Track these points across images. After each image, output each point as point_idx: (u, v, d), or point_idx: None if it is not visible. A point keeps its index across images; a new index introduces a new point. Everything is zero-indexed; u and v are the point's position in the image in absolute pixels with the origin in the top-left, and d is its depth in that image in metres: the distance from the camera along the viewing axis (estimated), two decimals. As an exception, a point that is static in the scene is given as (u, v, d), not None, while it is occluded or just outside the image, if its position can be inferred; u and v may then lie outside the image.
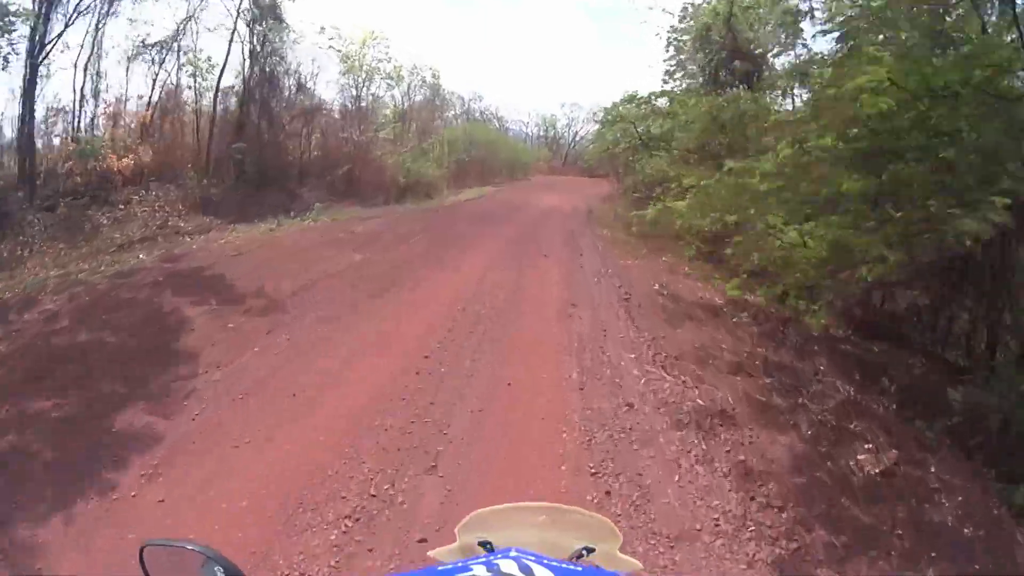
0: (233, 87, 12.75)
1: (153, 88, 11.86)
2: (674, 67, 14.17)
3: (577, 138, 32.59)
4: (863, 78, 4.13)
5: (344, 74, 15.27)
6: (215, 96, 12.48)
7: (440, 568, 0.71)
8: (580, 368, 5.17)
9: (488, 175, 21.56)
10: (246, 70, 12.61)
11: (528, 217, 13.61)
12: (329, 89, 16.83)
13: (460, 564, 0.71)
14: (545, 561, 0.73)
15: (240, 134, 12.38)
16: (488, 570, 0.67)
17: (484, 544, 0.95)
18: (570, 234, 11.61)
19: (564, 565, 0.74)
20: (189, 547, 0.81)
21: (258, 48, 12.56)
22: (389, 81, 16.76)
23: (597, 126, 18.16)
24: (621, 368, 5.20)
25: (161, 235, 9.41)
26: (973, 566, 3.17)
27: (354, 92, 15.71)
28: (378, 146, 15.81)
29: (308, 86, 14.22)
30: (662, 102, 10.94)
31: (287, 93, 13.58)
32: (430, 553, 1.03)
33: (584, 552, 0.94)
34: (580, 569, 0.75)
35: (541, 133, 32.18)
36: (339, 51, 15.00)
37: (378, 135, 16.21)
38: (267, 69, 12.81)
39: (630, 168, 14.48)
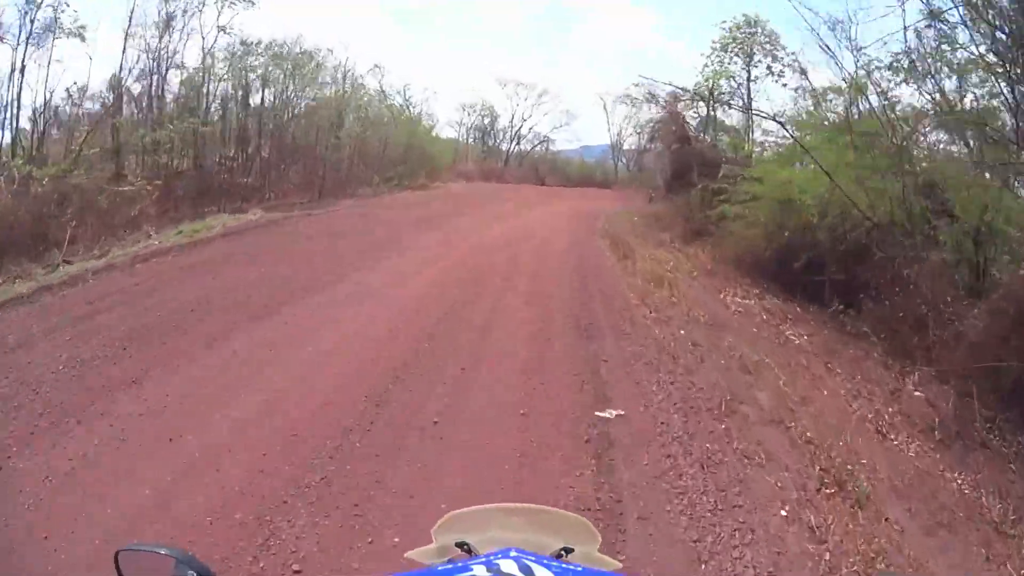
0: None
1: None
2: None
3: (523, 131, 28.75)
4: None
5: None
6: None
7: (440, 568, 0.71)
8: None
9: (352, 182, 17.07)
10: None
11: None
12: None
13: (460, 564, 0.71)
14: (545, 561, 0.72)
15: None
16: (488, 570, 0.67)
17: (461, 545, 0.93)
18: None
19: (564, 566, 0.74)
20: (162, 551, 0.81)
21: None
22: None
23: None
24: None
25: None
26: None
27: None
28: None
29: None
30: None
31: None
32: (407, 554, 1.00)
33: (563, 552, 0.92)
34: (580, 569, 0.74)
35: (478, 123, 27.99)
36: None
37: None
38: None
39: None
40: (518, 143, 28.21)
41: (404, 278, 6.96)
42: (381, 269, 7.44)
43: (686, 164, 13.87)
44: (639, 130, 28.52)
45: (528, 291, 6.66)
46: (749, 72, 14.62)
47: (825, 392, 4.78)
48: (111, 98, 13.37)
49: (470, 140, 27.79)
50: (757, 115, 10.60)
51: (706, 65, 14.60)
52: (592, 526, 1.02)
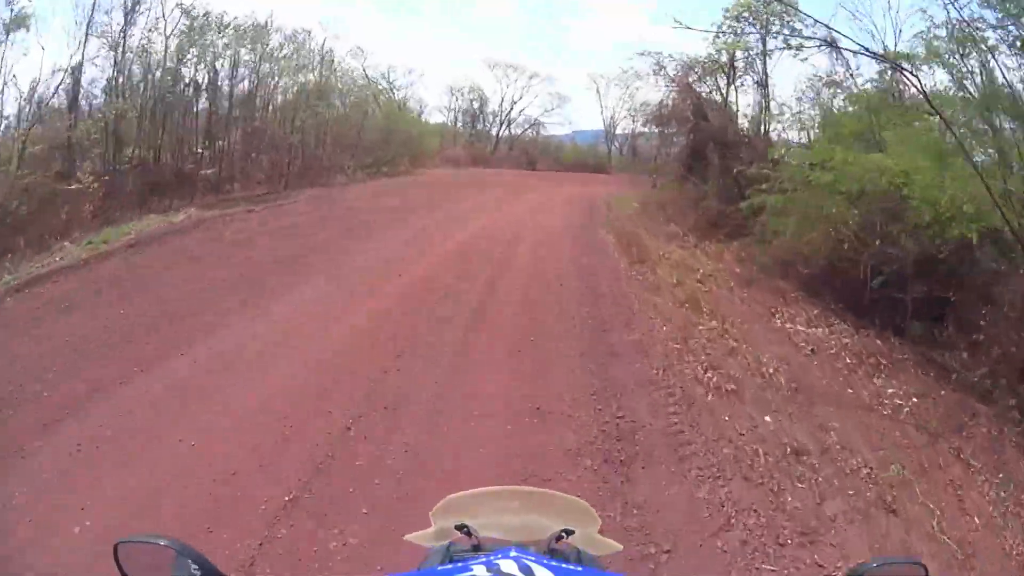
0: None
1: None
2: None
3: (513, 114, 26.59)
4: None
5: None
6: None
7: (440, 568, 0.71)
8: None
9: (326, 170, 15.30)
10: None
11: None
12: None
13: (460, 564, 0.69)
14: (545, 561, 0.71)
15: None
16: (488, 570, 0.66)
17: (461, 527, 0.90)
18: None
19: (564, 565, 0.73)
20: (162, 543, 0.80)
21: None
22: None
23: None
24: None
25: None
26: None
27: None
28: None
29: None
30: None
31: None
32: (406, 537, 0.97)
33: (563, 535, 0.89)
34: (580, 569, 0.73)
35: (467, 106, 25.84)
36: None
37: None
38: None
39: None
40: (508, 127, 26.31)
41: (317, 326, 4.69)
42: (292, 301, 5.22)
43: (702, 144, 11.99)
44: (632, 113, 27.18)
45: (512, 341, 4.52)
46: (764, 44, 12.62)
47: (977, 521, 2.97)
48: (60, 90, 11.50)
49: (459, 124, 25.86)
50: (871, 56, 7.93)
51: (717, 36, 12.57)
52: (592, 509, 0.98)
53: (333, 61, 16.55)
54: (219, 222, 8.62)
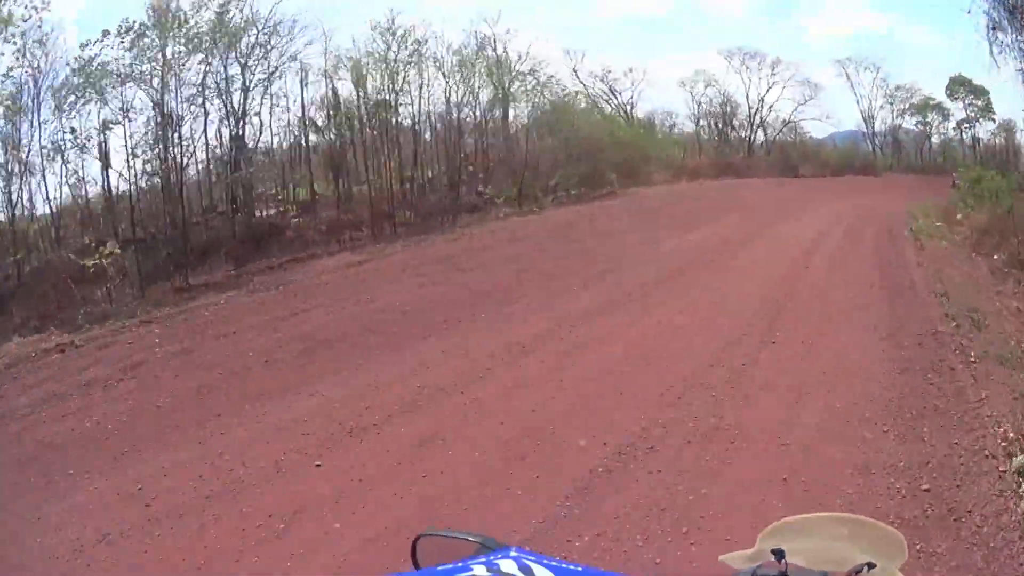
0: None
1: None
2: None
3: (765, 114, 23.15)
4: None
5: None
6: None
7: (440, 568, 0.70)
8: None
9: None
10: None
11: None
12: None
13: (460, 564, 0.70)
14: (545, 561, 0.71)
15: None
16: (488, 570, 0.66)
17: (775, 552, 0.88)
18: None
19: (564, 565, 0.72)
20: (471, 538, 0.81)
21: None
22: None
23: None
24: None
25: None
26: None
27: None
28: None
29: None
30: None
31: None
32: (721, 558, 0.94)
33: (865, 568, 0.87)
34: (580, 569, 0.73)
35: (711, 108, 23.00)
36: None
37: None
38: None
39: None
40: (763, 129, 23.83)
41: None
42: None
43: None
44: (890, 98, 22.81)
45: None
46: None
47: None
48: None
49: (703, 130, 24.27)
50: None
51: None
52: (904, 544, 0.93)
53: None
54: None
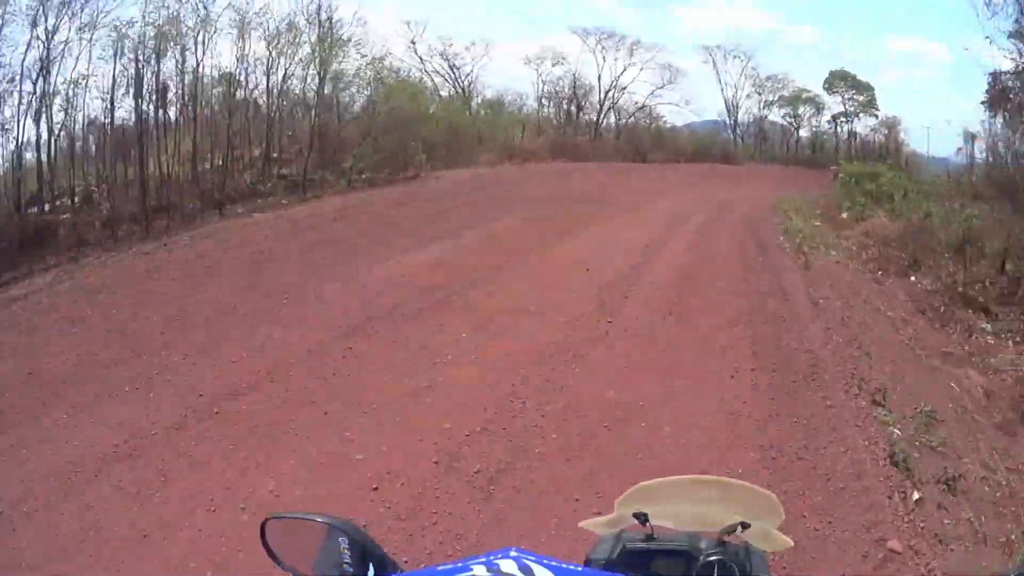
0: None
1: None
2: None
3: (619, 98, 20.82)
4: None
5: None
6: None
7: (440, 568, 0.68)
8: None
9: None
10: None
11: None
12: None
13: (460, 564, 0.67)
14: (545, 561, 0.69)
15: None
16: (488, 570, 0.64)
17: (638, 516, 0.91)
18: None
19: (564, 565, 0.70)
20: (319, 520, 0.78)
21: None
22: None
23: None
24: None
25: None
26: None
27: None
28: None
29: None
30: None
31: None
32: (581, 524, 0.95)
33: (739, 527, 0.89)
34: (580, 569, 0.70)
35: (559, 90, 20.42)
36: None
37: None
38: None
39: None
40: (614, 112, 20.72)
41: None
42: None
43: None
44: (758, 88, 21.13)
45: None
46: None
47: None
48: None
49: (548, 109, 20.75)
50: None
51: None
52: (779, 505, 0.93)
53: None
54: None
